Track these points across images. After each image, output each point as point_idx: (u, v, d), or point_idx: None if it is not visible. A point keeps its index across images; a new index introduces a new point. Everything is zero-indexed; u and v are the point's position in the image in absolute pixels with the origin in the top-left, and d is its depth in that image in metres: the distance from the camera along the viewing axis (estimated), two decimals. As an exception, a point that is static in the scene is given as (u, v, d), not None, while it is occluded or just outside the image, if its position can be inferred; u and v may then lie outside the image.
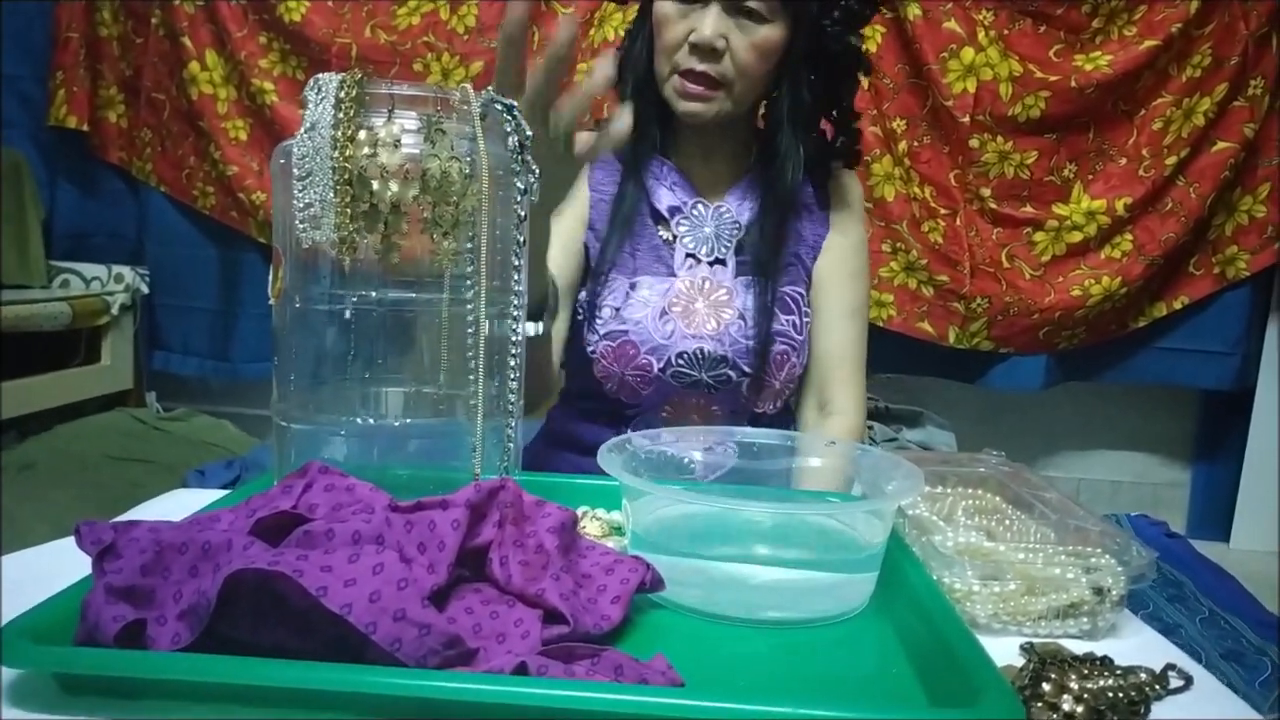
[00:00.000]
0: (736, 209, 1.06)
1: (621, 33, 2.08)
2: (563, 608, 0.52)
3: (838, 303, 1.09)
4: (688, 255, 1.05)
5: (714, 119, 1.00)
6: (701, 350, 1.01)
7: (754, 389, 1.04)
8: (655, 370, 1.01)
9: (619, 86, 1.06)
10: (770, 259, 1.04)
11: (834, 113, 1.07)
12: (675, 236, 1.06)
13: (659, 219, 1.07)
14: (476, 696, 0.43)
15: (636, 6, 1.06)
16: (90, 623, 0.46)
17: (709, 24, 0.94)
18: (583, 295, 1.06)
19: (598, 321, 1.03)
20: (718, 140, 1.06)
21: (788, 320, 1.04)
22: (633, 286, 1.04)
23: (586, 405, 1.09)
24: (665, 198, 1.06)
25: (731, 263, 1.05)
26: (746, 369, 1.02)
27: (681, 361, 1.01)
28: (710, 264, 1.05)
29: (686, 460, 0.76)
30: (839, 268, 1.10)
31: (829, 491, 0.77)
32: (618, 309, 1.02)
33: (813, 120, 1.05)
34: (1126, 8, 2.03)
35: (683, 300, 1.03)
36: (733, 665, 0.54)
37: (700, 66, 0.96)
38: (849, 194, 1.13)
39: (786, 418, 1.13)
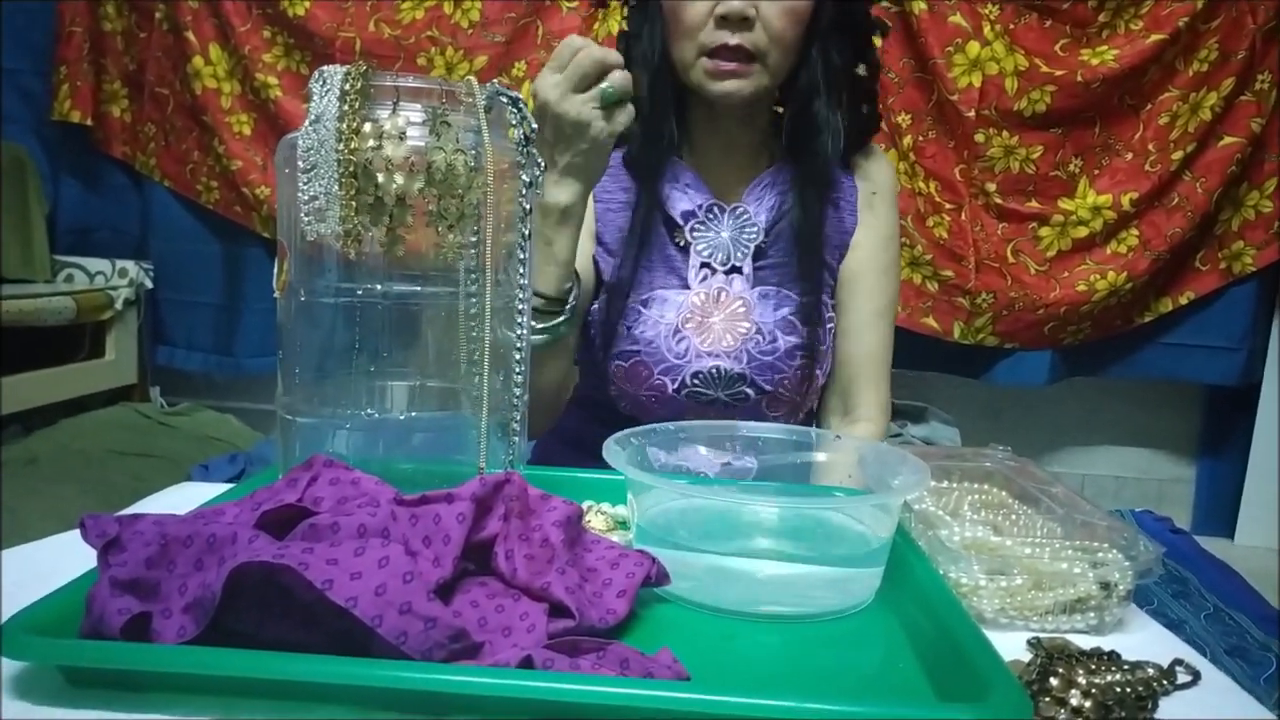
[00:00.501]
0: (754, 210, 1.01)
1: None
2: (568, 601, 0.52)
3: (868, 303, 1.03)
4: (703, 265, 1.00)
5: (752, 96, 0.94)
6: (718, 369, 0.97)
7: (774, 405, 1.00)
8: (670, 390, 0.98)
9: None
10: (800, 270, 0.99)
11: (857, 78, 1.01)
12: (689, 243, 1.01)
13: (672, 225, 1.01)
14: (482, 690, 0.43)
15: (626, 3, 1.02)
16: (95, 616, 0.46)
17: None
18: (595, 308, 1.02)
19: (610, 340, 0.99)
20: (739, 131, 1.01)
21: (809, 332, 0.99)
22: (645, 303, 0.99)
23: (601, 413, 1.05)
24: (680, 202, 1.01)
25: (748, 270, 1.00)
26: (766, 386, 0.98)
27: (697, 381, 0.97)
28: (726, 273, 1.00)
29: (702, 475, 0.75)
30: (869, 265, 1.04)
31: (835, 486, 0.77)
32: (629, 328, 0.98)
33: (844, 88, 0.99)
34: (1133, 2, 2.02)
35: (697, 315, 0.99)
36: (739, 659, 0.54)
37: (733, 40, 0.90)
38: (880, 177, 1.07)
39: (808, 422, 1.09)
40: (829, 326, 1.02)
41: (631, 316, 0.99)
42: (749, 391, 0.98)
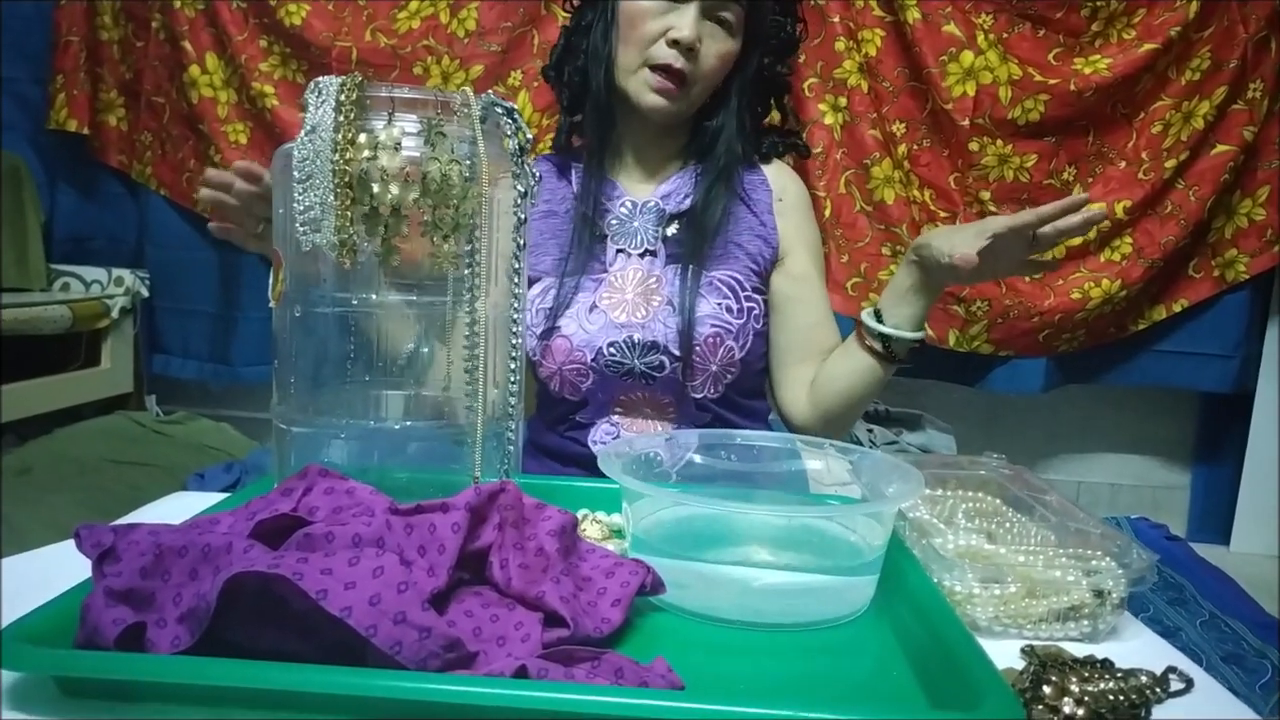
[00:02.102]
0: (663, 201, 1.09)
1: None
2: (563, 611, 0.52)
3: (817, 282, 1.12)
4: (619, 251, 1.08)
5: (674, 116, 1.05)
6: (631, 338, 1.02)
7: (691, 374, 1.03)
8: (589, 360, 1.03)
9: (560, 88, 1.10)
10: (696, 243, 1.06)
11: (771, 108, 1.14)
12: (607, 235, 1.08)
13: (589, 219, 1.09)
14: (477, 700, 0.43)
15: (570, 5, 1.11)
16: (90, 626, 0.46)
17: (689, 24, 0.98)
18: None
19: (534, 325, 1.05)
20: (653, 139, 1.10)
21: (720, 304, 1.04)
22: (563, 285, 1.06)
23: (547, 413, 1.12)
24: (598, 199, 1.09)
25: (662, 253, 1.07)
26: (678, 353, 1.02)
27: (613, 350, 1.02)
28: (641, 255, 1.08)
29: (653, 454, 0.76)
30: (809, 269, 1.11)
31: (829, 494, 0.77)
32: (551, 309, 1.05)
33: (744, 118, 1.09)
34: (1125, 11, 2.03)
35: (613, 293, 1.05)
36: (733, 668, 0.54)
37: (677, 64, 0.99)
38: (783, 181, 1.14)
39: (754, 403, 1.13)
40: (748, 305, 1.06)
41: (551, 299, 1.06)
42: (664, 359, 1.03)
